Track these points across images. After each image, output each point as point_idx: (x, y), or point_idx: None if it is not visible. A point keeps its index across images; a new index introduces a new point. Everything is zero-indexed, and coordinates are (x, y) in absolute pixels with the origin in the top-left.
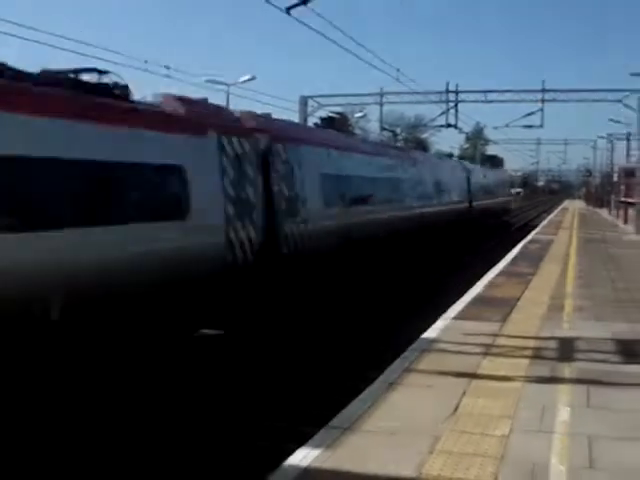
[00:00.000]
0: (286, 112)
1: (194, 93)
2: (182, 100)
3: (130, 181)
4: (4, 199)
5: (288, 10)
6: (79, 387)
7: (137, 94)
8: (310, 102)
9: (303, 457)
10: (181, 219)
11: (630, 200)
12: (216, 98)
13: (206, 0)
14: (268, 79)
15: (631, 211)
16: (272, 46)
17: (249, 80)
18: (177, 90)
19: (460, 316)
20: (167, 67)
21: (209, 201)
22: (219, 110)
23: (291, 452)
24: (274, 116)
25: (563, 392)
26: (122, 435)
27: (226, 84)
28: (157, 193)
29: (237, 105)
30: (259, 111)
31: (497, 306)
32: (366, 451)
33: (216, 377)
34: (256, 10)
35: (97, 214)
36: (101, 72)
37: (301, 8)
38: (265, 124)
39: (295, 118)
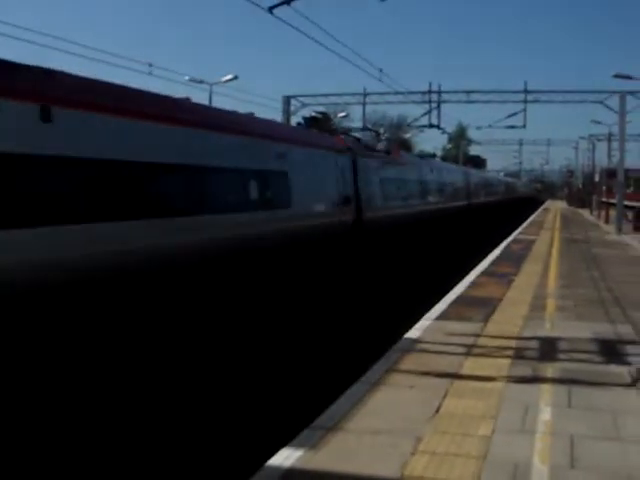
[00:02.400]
0: (269, 111)
1: (177, 91)
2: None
3: (325, 183)
4: None
5: (271, 9)
6: None
7: None
8: (293, 101)
9: (286, 457)
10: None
11: (611, 201)
12: (199, 97)
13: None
14: (251, 78)
15: (612, 211)
16: (255, 46)
17: (232, 79)
18: (160, 88)
19: (442, 316)
20: (150, 65)
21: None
22: (335, 136)
23: None
24: (256, 115)
25: (545, 392)
26: None
27: (209, 83)
28: (338, 190)
29: (220, 104)
30: (242, 110)
31: (479, 306)
32: (349, 451)
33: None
34: (239, 9)
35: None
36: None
37: (284, 7)
38: (352, 144)
39: (278, 117)
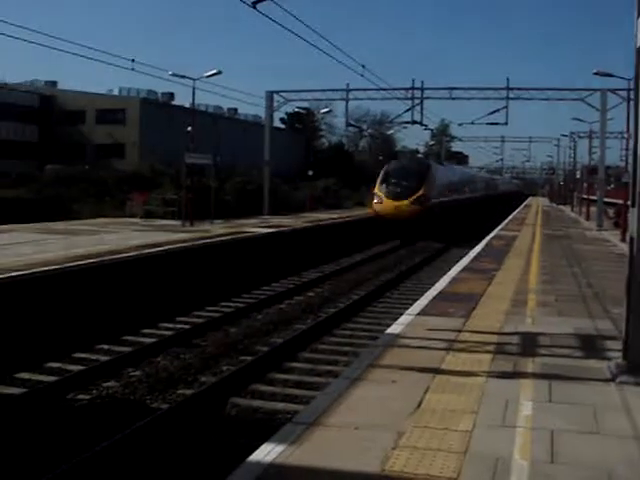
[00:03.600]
0: (253, 107)
1: (161, 86)
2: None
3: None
4: None
5: (254, 4)
6: None
7: (103, 87)
8: (276, 97)
9: (267, 452)
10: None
11: (592, 197)
12: (183, 92)
13: None
14: (235, 74)
15: (593, 208)
16: (239, 41)
17: (215, 74)
18: (142, 83)
19: (424, 312)
20: (132, 60)
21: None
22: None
23: None
24: (240, 110)
25: (526, 387)
26: None
27: (191, 78)
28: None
29: (203, 99)
30: (226, 105)
31: (461, 301)
32: (330, 446)
33: None
34: (222, 4)
35: None
36: None
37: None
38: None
39: (261, 112)
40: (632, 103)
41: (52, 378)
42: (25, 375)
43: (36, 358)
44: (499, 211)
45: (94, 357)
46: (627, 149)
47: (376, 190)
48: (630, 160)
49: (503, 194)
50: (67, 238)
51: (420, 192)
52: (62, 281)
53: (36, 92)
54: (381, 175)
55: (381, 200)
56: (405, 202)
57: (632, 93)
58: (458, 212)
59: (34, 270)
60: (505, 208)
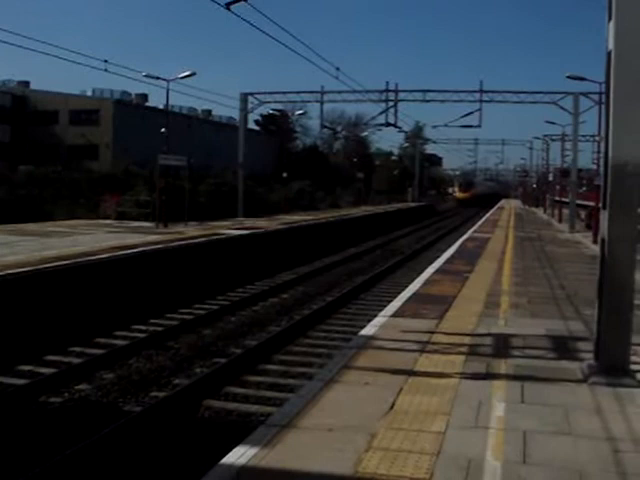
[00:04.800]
0: (227, 109)
1: (134, 87)
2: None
3: None
4: None
5: (228, 6)
6: None
7: (77, 88)
8: (250, 99)
9: (240, 455)
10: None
11: (564, 199)
12: (156, 93)
13: None
14: (209, 75)
15: (565, 210)
16: (213, 42)
17: (189, 76)
18: (116, 84)
19: (397, 313)
20: (106, 61)
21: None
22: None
23: None
24: (214, 112)
25: (498, 388)
26: None
27: (165, 79)
28: None
29: (178, 101)
30: (200, 107)
31: (434, 303)
32: (303, 449)
33: None
34: (196, 5)
35: None
36: None
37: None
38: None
39: (236, 114)
40: (604, 106)
41: (23, 381)
42: None
43: (7, 361)
44: (498, 197)
45: (66, 359)
46: (599, 152)
47: (456, 189)
48: (602, 163)
49: (496, 192)
50: (40, 240)
51: (472, 189)
52: (35, 283)
53: (9, 92)
54: (457, 184)
55: (457, 191)
56: (467, 193)
57: (604, 96)
58: (485, 198)
59: (6, 272)
60: (498, 198)
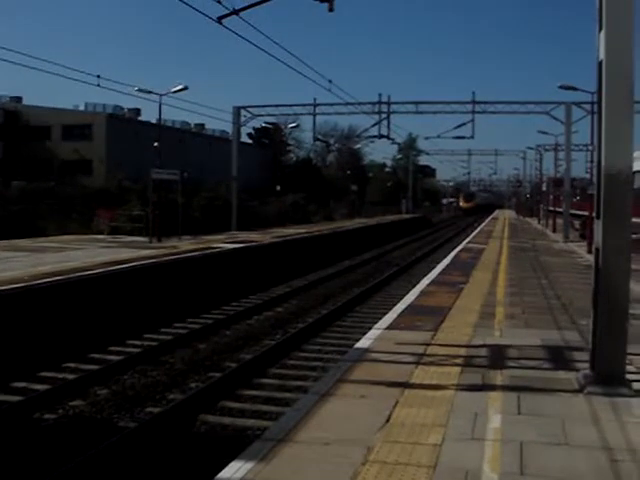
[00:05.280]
0: (220, 122)
1: (127, 102)
2: None
3: None
4: None
5: (220, 19)
6: None
7: (69, 102)
8: (243, 112)
9: (236, 470)
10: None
11: (558, 209)
12: (149, 107)
13: (138, 9)
14: (201, 89)
15: (559, 220)
16: (205, 57)
17: (181, 90)
18: (109, 99)
19: (392, 325)
20: (98, 76)
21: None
22: None
23: None
24: (207, 126)
25: (495, 399)
26: None
27: (158, 94)
28: None
29: (170, 115)
30: (193, 121)
31: (429, 315)
32: (300, 462)
33: None
34: (188, 19)
35: None
36: None
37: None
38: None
39: (228, 128)
40: (596, 116)
41: (17, 398)
42: None
43: (1, 378)
44: (493, 207)
45: (60, 376)
46: (592, 161)
47: (460, 199)
48: (595, 172)
49: (492, 202)
50: (33, 255)
51: (474, 200)
52: (28, 299)
53: (1, 108)
54: (461, 196)
55: (462, 202)
56: (470, 203)
57: (596, 106)
58: (483, 208)
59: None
60: (493, 207)
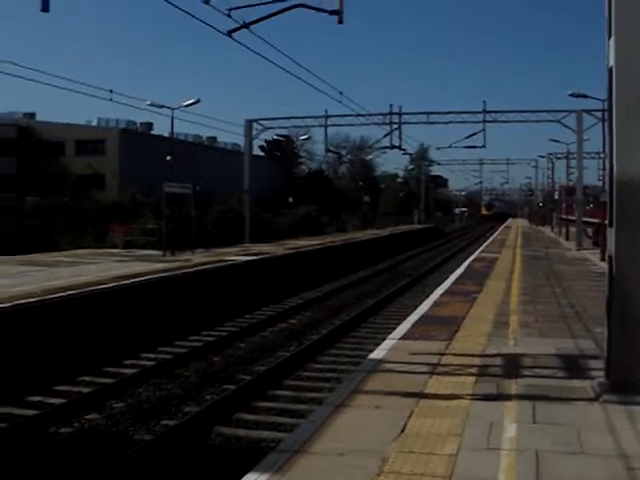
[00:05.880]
0: (232, 135)
1: (139, 116)
2: None
3: None
4: None
5: (230, 33)
6: None
7: (82, 117)
8: (255, 125)
9: None
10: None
11: (571, 217)
12: (160, 122)
13: (149, 23)
14: (213, 103)
15: (573, 228)
16: (216, 70)
17: (193, 103)
18: (121, 114)
19: (406, 336)
20: (111, 91)
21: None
22: None
23: None
24: (219, 139)
25: (510, 409)
26: None
27: (170, 107)
28: None
29: (182, 129)
30: (205, 134)
31: (443, 324)
32: (315, 474)
33: None
34: (199, 34)
35: None
36: None
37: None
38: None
39: (240, 141)
40: (607, 123)
41: (33, 412)
42: (5, 409)
43: (17, 392)
44: (507, 215)
45: (76, 389)
46: (604, 169)
47: (482, 208)
48: (607, 179)
49: (505, 211)
50: (47, 270)
51: (493, 209)
52: (43, 313)
53: (14, 124)
54: (482, 205)
55: (483, 210)
56: (490, 212)
57: (607, 113)
58: (499, 215)
59: (15, 302)
60: (507, 216)
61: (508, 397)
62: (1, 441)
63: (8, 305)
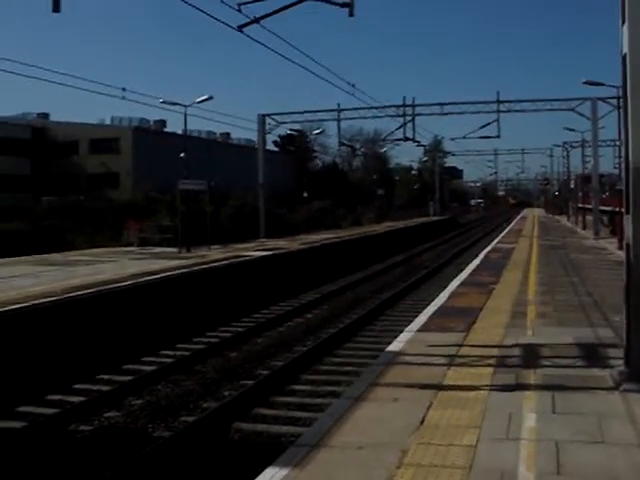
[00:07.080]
0: (245, 131)
1: (152, 114)
2: None
3: None
4: None
5: (240, 28)
6: None
7: (94, 116)
8: (268, 120)
9: (272, 476)
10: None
11: (588, 206)
12: (174, 119)
13: (161, 21)
14: (225, 99)
15: (589, 217)
16: (228, 65)
17: (206, 100)
18: (134, 112)
19: (424, 328)
20: (123, 89)
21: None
22: None
23: None
24: (233, 135)
25: (529, 399)
26: None
27: (183, 105)
28: None
29: (196, 125)
30: (218, 130)
31: (460, 316)
32: (334, 467)
33: None
34: (210, 29)
35: None
36: None
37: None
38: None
39: (254, 136)
40: (622, 110)
41: (53, 410)
42: (26, 408)
43: (36, 390)
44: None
45: (95, 387)
46: (620, 156)
47: (510, 198)
48: (623, 167)
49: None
50: (64, 269)
51: (517, 199)
52: (60, 312)
53: (28, 125)
54: (510, 196)
55: (511, 199)
56: (515, 200)
57: (622, 100)
58: (521, 203)
59: (33, 302)
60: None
61: (527, 387)
62: (22, 439)
63: (26, 305)
